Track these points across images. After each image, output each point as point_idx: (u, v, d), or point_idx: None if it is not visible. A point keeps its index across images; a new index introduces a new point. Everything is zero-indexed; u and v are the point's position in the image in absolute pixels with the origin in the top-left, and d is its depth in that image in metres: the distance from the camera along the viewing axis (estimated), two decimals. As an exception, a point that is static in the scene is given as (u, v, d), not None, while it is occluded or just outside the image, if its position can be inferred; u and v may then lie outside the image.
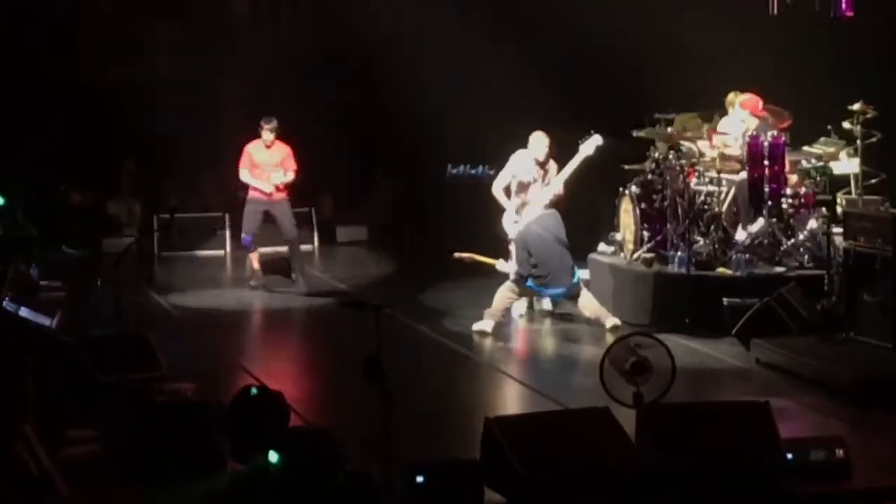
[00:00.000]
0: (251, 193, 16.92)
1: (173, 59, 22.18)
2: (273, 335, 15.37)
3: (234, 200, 18.39)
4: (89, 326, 13.22)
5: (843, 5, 15.28)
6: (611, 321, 14.22)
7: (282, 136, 16.96)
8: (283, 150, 17.00)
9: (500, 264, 15.05)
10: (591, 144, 14.41)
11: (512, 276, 14.59)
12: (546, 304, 15.14)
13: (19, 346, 11.48)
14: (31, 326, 12.65)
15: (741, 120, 15.10)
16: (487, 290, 14.69)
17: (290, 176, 16.96)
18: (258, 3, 22.99)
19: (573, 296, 14.59)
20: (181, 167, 21.30)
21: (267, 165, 16.87)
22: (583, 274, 15.17)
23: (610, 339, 13.63)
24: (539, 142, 14.50)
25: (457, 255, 15.55)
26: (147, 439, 9.23)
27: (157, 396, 11.12)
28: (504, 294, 14.44)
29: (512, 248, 14.72)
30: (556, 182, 14.45)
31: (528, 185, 14.54)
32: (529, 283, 14.48)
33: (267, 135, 16.86)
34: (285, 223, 17.05)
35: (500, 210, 14.75)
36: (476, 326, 14.31)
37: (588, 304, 14.49)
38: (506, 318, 14.64)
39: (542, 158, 14.50)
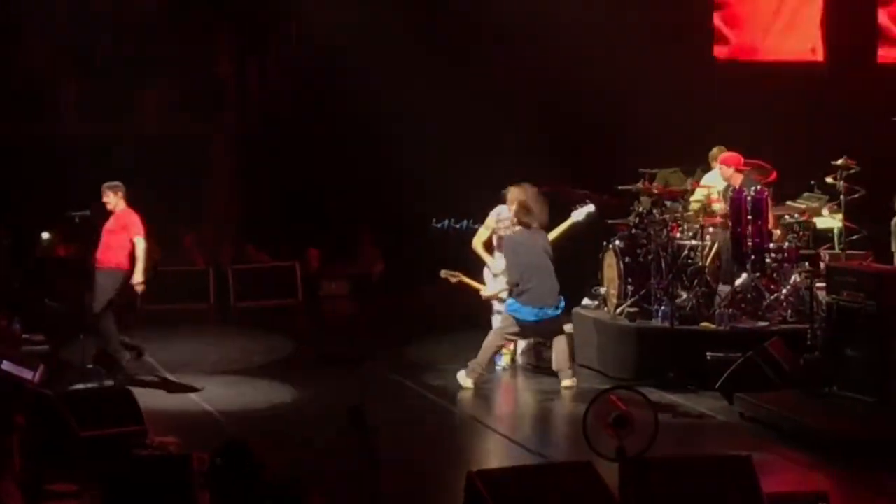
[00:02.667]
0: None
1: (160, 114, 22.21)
2: (254, 388, 15.28)
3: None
4: (71, 380, 13.17)
5: (822, 51, 15.41)
6: (567, 381, 14.13)
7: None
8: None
9: (485, 290, 15.01)
10: (582, 212, 14.64)
11: (495, 292, 14.62)
12: (527, 357, 15.10)
13: (8, 405, 11.41)
14: (12, 380, 12.59)
15: (726, 178, 15.12)
16: (471, 344, 14.65)
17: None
18: (242, 61, 23.03)
19: (553, 330, 14.31)
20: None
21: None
22: (567, 328, 15.15)
23: (569, 394, 13.80)
24: (517, 196, 14.56)
25: (444, 273, 15.34)
26: (127, 494, 9.17)
27: (139, 451, 11.05)
28: (492, 341, 14.35)
29: (495, 303, 14.78)
30: None
31: None
32: (511, 304, 14.33)
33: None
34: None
35: (482, 265, 14.83)
36: (460, 378, 14.27)
37: (559, 352, 14.29)
38: (489, 370, 14.58)
39: None
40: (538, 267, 14.15)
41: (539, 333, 14.49)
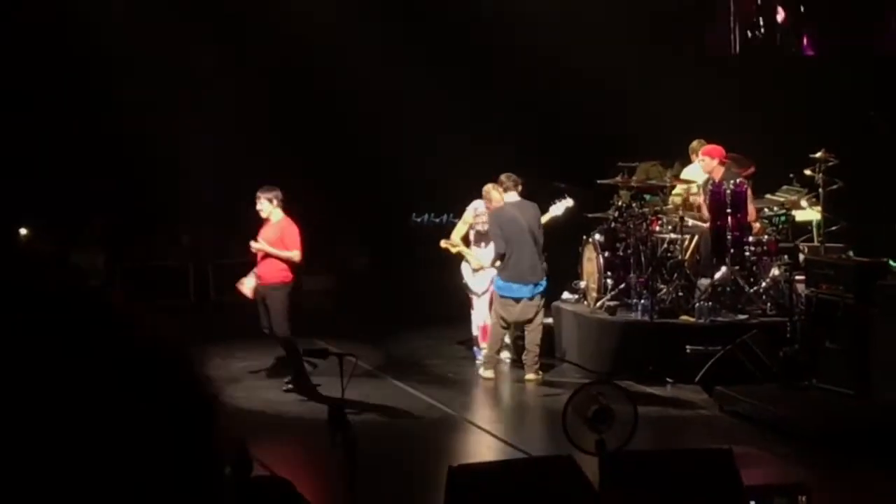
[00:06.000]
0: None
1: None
2: (235, 385, 15.27)
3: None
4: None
5: (805, 43, 15.44)
6: (531, 374, 14.21)
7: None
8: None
9: (475, 261, 14.97)
10: (561, 206, 14.68)
11: (483, 266, 14.68)
12: (508, 352, 15.14)
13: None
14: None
15: (708, 171, 15.11)
16: (451, 338, 14.68)
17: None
18: (223, 60, 22.95)
19: (530, 318, 14.29)
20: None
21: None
22: (546, 321, 15.17)
23: (532, 388, 13.80)
24: (494, 191, 14.59)
25: (444, 242, 15.24)
26: None
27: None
28: (495, 330, 14.41)
29: (473, 298, 14.82)
30: None
31: (486, 234, 14.60)
32: (497, 283, 14.32)
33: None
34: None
35: (460, 260, 14.88)
36: (480, 372, 14.42)
37: (531, 341, 14.35)
38: (500, 356, 14.58)
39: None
40: (520, 242, 14.20)
41: (521, 316, 14.40)
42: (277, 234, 13.56)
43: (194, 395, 1.34)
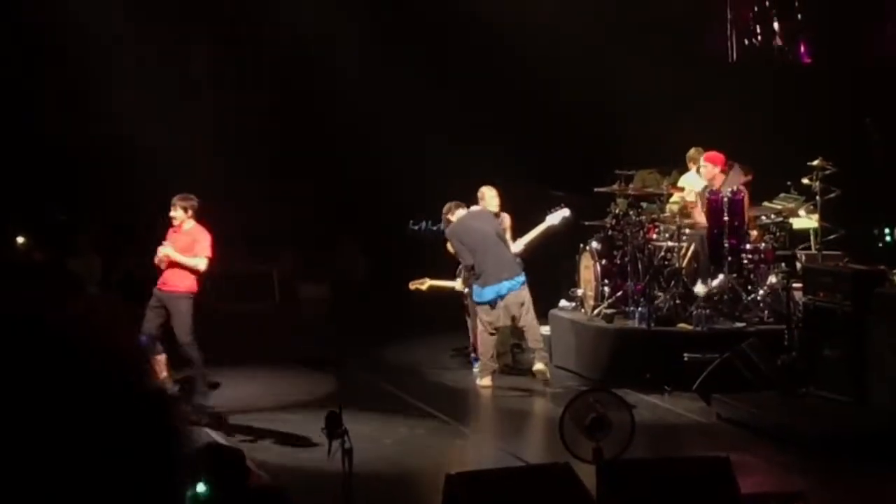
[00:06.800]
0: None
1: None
2: (234, 392, 15.24)
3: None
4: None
5: (802, 51, 15.43)
6: (540, 365, 14.22)
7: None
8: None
9: (458, 284, 15.07)
10: (558, 216, 14.70)
11: (463, 287, 14.72)
12: (504, 359, 15.11)
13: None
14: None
15: (709, 178, 15.09)
16: (448, 345, 14.67)
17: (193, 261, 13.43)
18: (217, 66, 22.95)
19: (518, 314, 14.28)
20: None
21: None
22: (544, 330, 15.17)
23: (541, 385, 13.87)
24: (490, 197, 14.66)
25: (412, 285, 15.41)
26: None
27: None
28: (483, 338, 14.41)
29: (470, 305, 14.82)
30: (517, 245, 14.65)
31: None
32: (475, 291, 14.38)
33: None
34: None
35: (457, 265, 14.92)
36: (477, 381, 14.42)
37: (532, 338, 14.39)
38: (495, 362, 14.59)
39: (494, 212, 14.66)
40: (485, 246, 14.26)
41: (508, 314, 14.38)
42: (188, 242, 13.41)
43: (146, 407, 1.32)
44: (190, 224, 13.52)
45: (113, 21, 19.92)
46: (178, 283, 13.35)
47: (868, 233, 15.00)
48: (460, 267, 15.05)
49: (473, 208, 14.62)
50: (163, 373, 13.28)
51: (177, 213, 13.50)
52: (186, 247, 13.38)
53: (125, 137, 20.18)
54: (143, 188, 19.28)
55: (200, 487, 8.40)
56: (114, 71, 20.27)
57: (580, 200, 15.67)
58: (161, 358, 13.26)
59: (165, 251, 13.35)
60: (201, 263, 13.33)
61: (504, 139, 19.08)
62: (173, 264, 13.37)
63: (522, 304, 14.29)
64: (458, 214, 14.60)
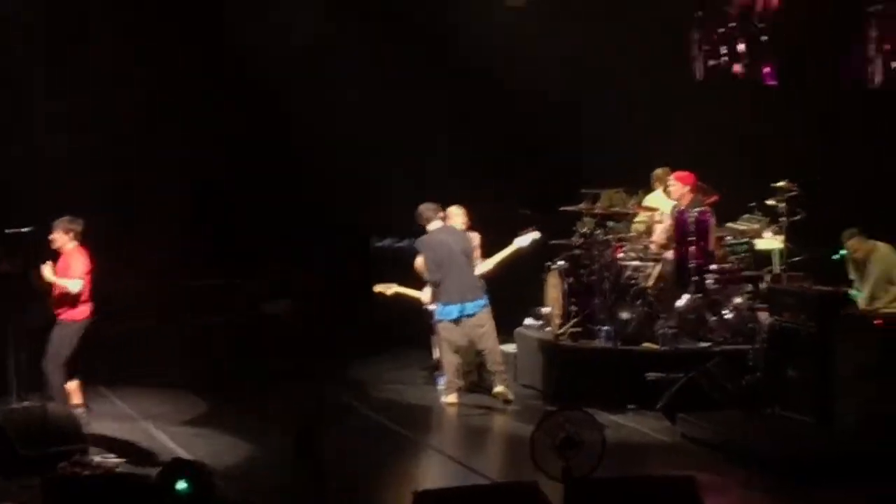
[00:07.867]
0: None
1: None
2: (203, 408, 15.19)
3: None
4: (13, 399, 13.04)
5: (767, 72, 15.48)
6: (499, 387, 14.30)
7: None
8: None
9: (424, 296, 15.10)
10: (527, 238, 14.76)
11: (429, 302, 14.76)
12: (471, 377, 15.13)
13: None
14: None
15: (677, 197, 15.16)
16: (413, 360, 14.68)
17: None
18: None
19: (479, 335, 14.37)
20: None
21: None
22: (509, 348, 15.19)
23: (501, 405, 13.92)
24: (455, 215, 14.72)
25: (378, 287, 15.45)
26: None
27: (82, 469, 10.99)
28: (446, 357, 14.44)
29: (435, 324, 14.83)
30: (484, 266, 14.70)
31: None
32: (438, 308, 14.46)
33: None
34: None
35: (423, 284, 14.94)
36: (442, 399, 14.45)
37: (492, 362, 14.43)
38: (461, 378, 14.60)
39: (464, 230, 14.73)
40: (452, 263, 14.36)
41: (467, 335, 14.42)
42: (65, 264, 13.21)
43: None
44: (70, 246, 13.26)
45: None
46: (65, 311, 13.15)
47: (833, 253, 15.07)
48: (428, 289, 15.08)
49: (446, 224, 14.65)
50: (76, 399, 13.26)
51: (57, 236, 13.26)
52: (63, 269, 13.17)
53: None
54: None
55: (181, 485, 8.42)
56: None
57: (546, 219, 15.69)
58: (73, 384, 13.16)
59: (47, 273, 13.08)
60: (72, 284, 13.05)
61: (468, 156, 19.09)
62: (58, 290, 13.12)
63: (483, 327, 14.34)
64: (434, 223, 14.56)
